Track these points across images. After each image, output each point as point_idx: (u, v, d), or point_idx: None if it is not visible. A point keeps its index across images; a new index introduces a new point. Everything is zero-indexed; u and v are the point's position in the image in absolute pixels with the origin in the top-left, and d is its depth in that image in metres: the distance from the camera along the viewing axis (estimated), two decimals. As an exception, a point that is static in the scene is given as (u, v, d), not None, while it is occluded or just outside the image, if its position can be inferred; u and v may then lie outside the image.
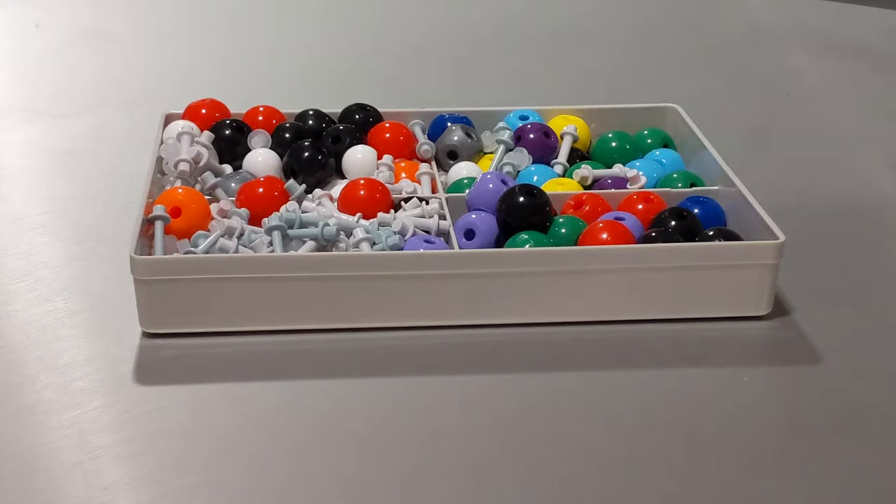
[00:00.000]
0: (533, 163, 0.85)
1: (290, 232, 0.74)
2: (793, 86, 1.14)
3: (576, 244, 0.75)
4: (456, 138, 0.87)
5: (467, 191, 0.79)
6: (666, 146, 0.88)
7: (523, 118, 0.90)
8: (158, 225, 0.74)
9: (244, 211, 0.77)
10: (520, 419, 0.66)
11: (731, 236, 0.75)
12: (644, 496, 0.61)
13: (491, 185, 0.78)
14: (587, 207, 0.78)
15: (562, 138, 0.87)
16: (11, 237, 0.84)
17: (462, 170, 0.85)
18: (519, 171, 0.84)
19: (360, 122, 0.89)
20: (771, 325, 0.74)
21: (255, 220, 0.77)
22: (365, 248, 0.74)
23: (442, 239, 0.76)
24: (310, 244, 0.74)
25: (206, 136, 0.84)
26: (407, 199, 0.79)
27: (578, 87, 1.12)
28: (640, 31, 1.27)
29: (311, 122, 0.89)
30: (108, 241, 0.82)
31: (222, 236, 0.74)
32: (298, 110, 0.90)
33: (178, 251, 0.74)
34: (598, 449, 0.64)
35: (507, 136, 0.86)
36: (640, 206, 0.78)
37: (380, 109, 0.90)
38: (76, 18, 1.28)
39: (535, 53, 1.21)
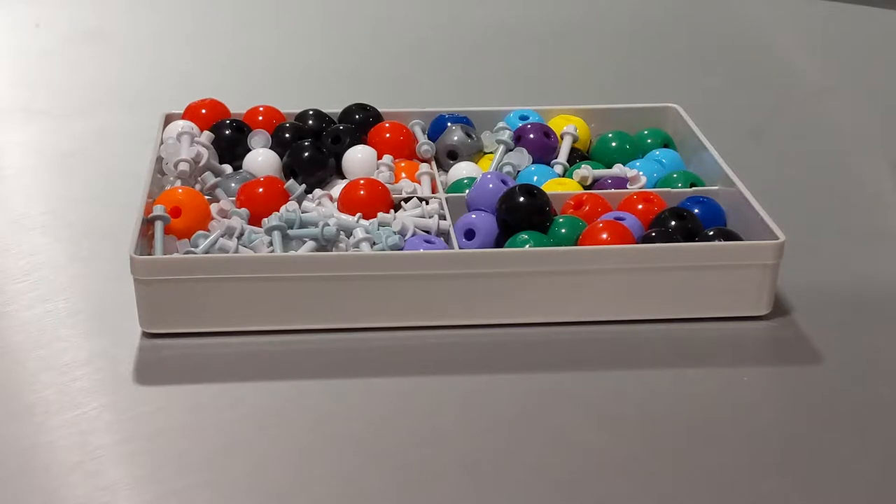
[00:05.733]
0: (533, 163, 0.85)
1: (290, 232, 0.74)
2: (793, 86, 1.14)
3: (576, 244, 0.75)
4: (456, 138, 0.87)
5: (467, 191, 0.79)
6: (666, 146, 0.88)
7: (523, 118, 0.90)
8: (158, 225, 0.74)
9: (244, 211, 0.77)
10: (520, 419, 0.66)
11: (731, 236, 0.75)
12: (644, 496, 0.61)
13: (491, 185, 0.78)
14: (587, 207, 0.78)
15: (562, 138, 0.87)
16: (11, 237, 0.83)
17: (462, 170, 0.85)
18: (519, 171, 0.84)
19: (360, 122, 0.89)
20: (771, 325, 0.74)
21: (255, 220, 0.77)
22: (365, 248, 0.74)
23: (442, 239, 0.76)
24: (310, 244, 0.74)
25: (206, 136, 0.84)
26: (407, 199, 0.79)
27: (578, 87, 1.12)
28: (640, 31, 1.27)
29: (311, 122, 0.89)
30: (108, 241, 0.81)
31: (222, 236, 0.74)
32: (298, 110, 0.90)
33: (178, 251, 0.74)
34: (598, 449, 0.64)
35: (507, 136, 0.86)
36: (640, 206, 0.78)
37: (380, 109, 0.90)
38: (76, 18, 1.27)
39: (535, 53, 1.21)
